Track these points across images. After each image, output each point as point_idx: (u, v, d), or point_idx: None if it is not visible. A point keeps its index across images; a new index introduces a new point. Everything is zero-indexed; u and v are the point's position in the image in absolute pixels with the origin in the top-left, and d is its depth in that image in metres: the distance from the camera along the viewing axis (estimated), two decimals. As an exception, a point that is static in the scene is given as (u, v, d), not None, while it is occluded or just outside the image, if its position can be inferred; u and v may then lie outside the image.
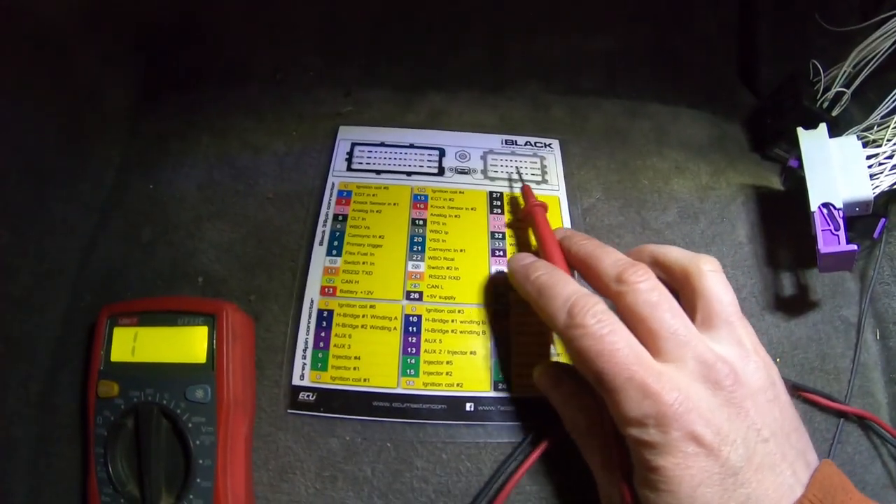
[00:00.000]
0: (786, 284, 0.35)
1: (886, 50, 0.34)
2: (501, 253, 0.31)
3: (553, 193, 0.34)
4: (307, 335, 0.28)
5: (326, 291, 0.29)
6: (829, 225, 0.30)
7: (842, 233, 0.30)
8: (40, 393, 0.27)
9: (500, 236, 0.32)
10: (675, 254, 0.24)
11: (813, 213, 0.31)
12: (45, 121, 0.29)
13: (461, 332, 0.29)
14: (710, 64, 0.43)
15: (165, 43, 0.37)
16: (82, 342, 0.28)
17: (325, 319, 0.29)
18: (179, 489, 0.24)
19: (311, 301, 0.29)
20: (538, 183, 0.34)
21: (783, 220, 0.36)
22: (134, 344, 0.26)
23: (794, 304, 0.34)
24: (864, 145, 0.32)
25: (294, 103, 0.36)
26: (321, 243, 0.31)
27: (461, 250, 0.31)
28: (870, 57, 0.35)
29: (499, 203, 0.33)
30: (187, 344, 0.26)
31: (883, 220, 0.34)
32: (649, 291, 0.22)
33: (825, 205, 0.31)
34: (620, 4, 0.43)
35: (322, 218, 0.31)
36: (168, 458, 0.24)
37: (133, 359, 0.26)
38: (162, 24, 0.37)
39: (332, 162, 0.34)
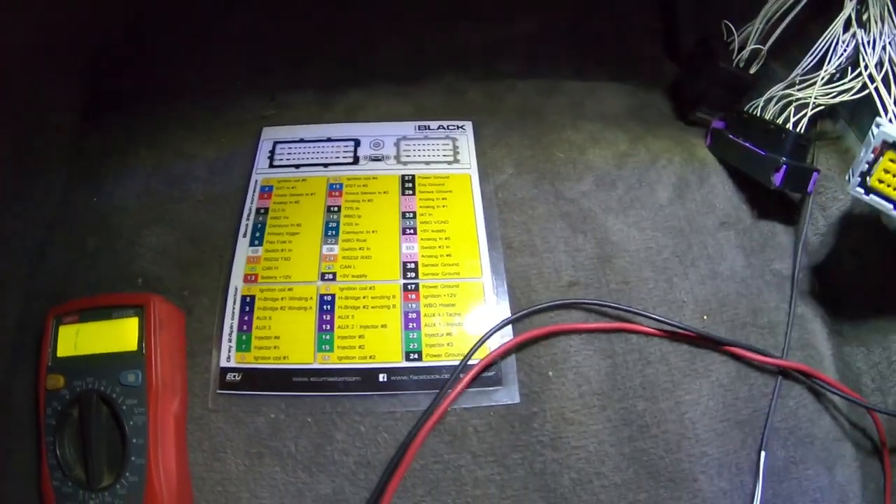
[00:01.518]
0: (709, 243, 0.35)
1: (798, 2, 0.35)
2: (412, 231, 0.33)
3: (465, 172, 0.35)
4: (232, 320, 0.30)
5: (249, 279, 0.31)
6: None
7: None
8: (-1, 392, 0.30)
9: (411, 216, 0.33)
10: None
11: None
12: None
13: (373, 307, 0.30)
14: (630, 40, 0.44)
15: (105, 66, 0.40)
16: (35, 344, 0.30)
17: (248, 304, 0.31)
18: (119, 469, 0.26)
19: (236, 288, 0.31)
20: (450, 163, 0.36)
21: (706, 180, 0.36)
22: (76, 339, 0.28)
23: (720, 261, 0.34)
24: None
25: (223, 112, 0.38)
26: (245, 235, 0.33)
27: (373, 231, 0.33)
28: (783, 10, 0.36)
29: (410, 185, 0.35)
30: (121, 334, 0.28)
31: (815, 173, 0.34)
32: None
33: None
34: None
35: (246, 213, 0.34)
36: (108, 441, 0.26)
37: (76, 352, 0.28)
38: (101, 49, 0.40)
39: (256, 161, 0.36)
